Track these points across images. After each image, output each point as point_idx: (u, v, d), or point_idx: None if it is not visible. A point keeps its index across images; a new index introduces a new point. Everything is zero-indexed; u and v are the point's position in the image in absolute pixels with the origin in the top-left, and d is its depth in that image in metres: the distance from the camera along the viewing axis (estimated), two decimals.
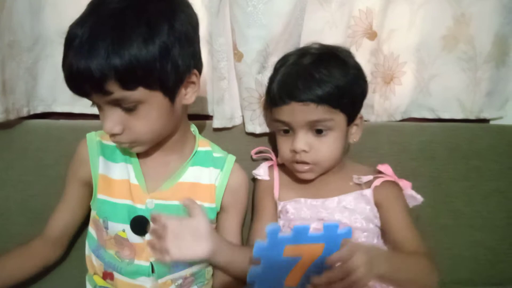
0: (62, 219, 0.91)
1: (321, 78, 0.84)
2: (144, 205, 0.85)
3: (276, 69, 0.94)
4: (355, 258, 0.65)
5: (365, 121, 1.15)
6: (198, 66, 0.83)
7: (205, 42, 1.01)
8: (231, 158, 0.94)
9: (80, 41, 0.68)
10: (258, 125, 1.06)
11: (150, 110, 0.75)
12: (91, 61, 0.67)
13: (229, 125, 1.07)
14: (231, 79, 1.05)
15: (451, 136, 1.13)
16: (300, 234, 0.62)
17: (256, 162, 1.06)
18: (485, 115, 1.20)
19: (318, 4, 1.05)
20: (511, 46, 1.17)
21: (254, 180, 1.03)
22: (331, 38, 1.06)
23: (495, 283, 1.11)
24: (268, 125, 1.07)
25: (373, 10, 1.06)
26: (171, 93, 0.77)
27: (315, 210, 0.92)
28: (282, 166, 1.01)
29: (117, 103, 0.73)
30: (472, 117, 1.19)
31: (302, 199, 0.94)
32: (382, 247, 0.91)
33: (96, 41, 0.68)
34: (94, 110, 1.05)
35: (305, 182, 0.96)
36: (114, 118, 0.75)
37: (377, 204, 0.93)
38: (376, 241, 0.92)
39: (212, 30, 0.98)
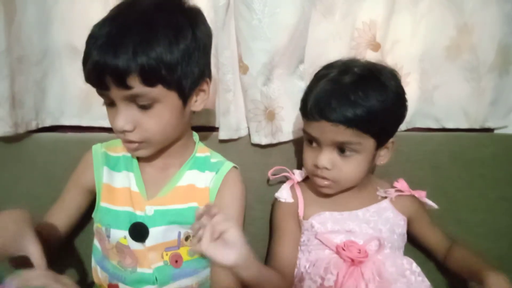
0: (56, 222, 0.90)
1: (355, 101, 0.82)
2: (143, 212, 0.86)
3: (317, 79, 0.91)
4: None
5: None
6: (210, 76, 0.88)
7: (211, 55, 1.02)
8: (228, 164, 0.93)
9: (108, 36, 0.73)
10: (263, 136, 1.07)
11: (164, 110, 0.79)
12: (118, 55, 0.71)
13: (235, 137, 1.08)
14: (237, 91, 1.06)
15: (455, 145, 1.14)
16: None
17: (259, 173, 1.06)
18: (489, 124, 1.21)
19: (321, 17, 1.06)
20: None
21: (274, 201, 1.03)
22: (335, 50, 1.07)
23: None
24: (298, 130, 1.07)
25: (376, 22, 1.08)
26: (185, 96, 0.81)
27: (342, 222, 0.93)
28: (303, 183, 1.02)
29: (133, 99, 0.76)
30: (477, 126, 1.20)
31: (327, 213, 0.94)
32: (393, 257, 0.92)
33: (124, 38, 0.72)
34: (102, 123, 1.09)
35: (328, 196, 0.96)
36: (127, 115, 0.77)
37: (403, 214, 0.97)
38: (397, 252, 0.93)
39: (218, 43, 0.99)
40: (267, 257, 0.99)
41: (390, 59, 1.14)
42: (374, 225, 0.93)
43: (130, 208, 0.87)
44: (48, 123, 1.09)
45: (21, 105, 1.00)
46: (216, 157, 0.95)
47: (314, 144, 0.90)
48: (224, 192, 0.90)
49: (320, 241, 0.92)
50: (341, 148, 0.87)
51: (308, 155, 0.93)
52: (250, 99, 1.04)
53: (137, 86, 0.74)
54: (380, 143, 0.89)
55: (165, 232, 0.86)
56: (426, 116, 1.20)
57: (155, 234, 0.85)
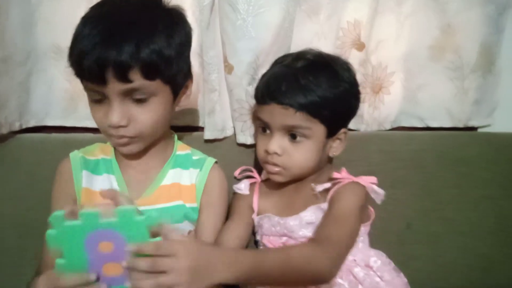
0: None
1: (306, 85, 0.83)
2: None
3: (271, 66, 0.94)
4: (171, 260, 0.58)
5: (355, 130, 1.17)
6: (192, 74, 0.90)
7: (196, 55, 1.02)
8: (211, 160, 0.95)
9: (105, 34, 0.73)
10: (249, 136, 1.07)
11: (159, 104, 0.80)
12: (122, 50, 0.72)
13: (221, 137, 1.08)
14: (222, 91, 1.07)
15: (440, 144, 1.15)
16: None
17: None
18: (473, 123, 1.22)
19: (306, 17, 1.07)
20: (497, 55, 1.19)
21: (233, 195, 1.01)
22: (320, 49, 1.07)
23: None
24: (253, 121, 1.06)
25: (361, 21, 1.09)
26: (177, 91, 0.84)
27: (282, 227, 0.91)
28: (264, 183, 1.01)
29: (130, 93, 0.76)
30: (461, 125, 1.21)
31: (272, 216, 0.93)
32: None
33: (125, 34, 0.73)
34: (86, 124, 1.08)
35: (279, 197, 0.96)
36: (123, 110, 0.77)
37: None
38: (361, 245, 0.91)
39: (203, 43, 0.99)
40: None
41: (375, 59, 1.15)
42: (313, 227, 0.88)
43: None
44: (32, 124, 1.09)
45: (5, 105, 1.00)
46: (197, 154, 0.96)
47: (267, 131, 0.90)
48: (211, 189, 0.91)
49: (264, 244, 0.93)
50: (292, 134, 0.87)
51: (261, 143, 0.92)
52: (236, 98, 1.04)
53: (137, 80, 0.74)
54: (331, 131, 0.88)
55: None
56: (410, 115, 1.21)
57: None
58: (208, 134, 1.06)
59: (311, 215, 0.90)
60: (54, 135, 1.07)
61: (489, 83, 1.20)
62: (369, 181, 0.90)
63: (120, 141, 0.81)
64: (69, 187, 0.87)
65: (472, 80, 1.17)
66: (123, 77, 0.73)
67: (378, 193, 0.90)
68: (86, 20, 0.77)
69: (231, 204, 1.00)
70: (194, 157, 0.95)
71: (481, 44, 1.15)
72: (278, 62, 0.93)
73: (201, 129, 1.09)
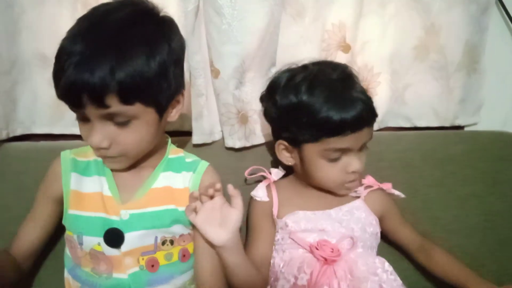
0: (28, 237, 0.89)
1: None
2: (118, 217, 0.84)
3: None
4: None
5: None
6: (184, 86, 0.88)
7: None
8: (204, 163, 0.93)
9: (82, 54, 0.70)
10: (237, 139, 1.07)
11: (141, 126, 0.78)
12: (95, 74, 0.69)
13: (209, 141, 1.08)
14: (209, 95, 1.07)
15: (426, 143, 1.16)
16: None
17: (233, 176, 1.05)
18: (459, 122, 1.24)
19: (291, 20, 1.08)
20: (481, 54, 1.21)
21: (250, 200, 1.02)
22: (306, 52, 1.09)
23: None
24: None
25: (346, 23, 1.09)
26: (162, 110, 0.81)
27: (315, 221, 0.93)
28: (279, 182, 1.02)
29: (110, 117, 0.74)
30: (447, 124, 1.23)
31: (301, 212, 0.95)
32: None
33: (101, 55, 0.70)
34: (74, 131, 1.08)
35: (303, 196, 0.98)
36: (103, 132, 0.76)
37: (375, 213, 0.98)
38: (370, 251, 0.94)
39: (189, 48, 0.99)
40: None
41: (361, 60, 1.16)
42: (347, 224, 0.93)
43: (103, 214, 0.84)
44: (19, 132, 1.08)
45: None
46: (191, 157, 0.95)
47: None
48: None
49: (294, 240, 0.92)
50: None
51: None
52: (223, 103, 1.05)
53: (114, 105, 0.72)
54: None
55: (142, 237, 0.84)
56: (397, 116, 1.23)
57: (131, 239, 0.83)
58: (196, 139, 1.06)
59: (347, 212, 0.95)
60: (41, 143, 1.07)
61: (474, 82, 1.21)
62: (389, 186, 1.01)
63: (105, 159, 0.82)
64: (56, 187, 0.87)
65: (457, 79, 1.19)
66: (99, 102, 0.71)
67: (398, 195, 1.01)
68: (68, 35, 0.74)
69: (248, 214, 1.01)
70: (187, 160, 0.93)
71: (465, 43, 1.17)
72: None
73: (189, 133, 1.09)
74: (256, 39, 1.00)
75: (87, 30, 0.74)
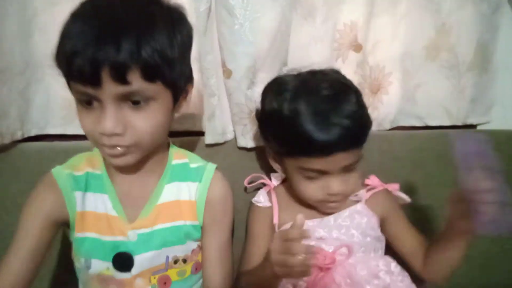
0: (15, 271, 0.76)
1: None
2: (126, 238, 0.79)
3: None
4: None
5: None
6: (193, 78, 0.84)
7: (194, 60, 1.02)
8: (211, 167, 0.88)
9: (100, 29, 0.66)
10: (249, 139, 1.07)
11: (158, 109, 0.73)
12: (121, 47, 0.64)
13: (221, 141, 1.08)
14: (221, 95, 1.07)
15: (439, 143, 1.15)
16: None
17: (246, 176, 1.05)
18: (471, 120, 1.23)
19: (303, 20, 1.08)
20: (493, 53, 1.20)
21: (250, 206, 1.02)
22: (318, 52, 1.09)
23: (487, 286, 1.12)
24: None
25: (357, 23, 1.09)
26: (177, 96, 0.77)
27: (313, 230, 0.91)
28: (279, 188, 1.02)
29: (127, 97, 0.69)
30: (459, 123, 1.22)
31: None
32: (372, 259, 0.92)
33: (123, 29, 0.66)
34: None
35: (302, 201, 0.95)
36: (118, 115, 0.69)
37: (377, 215, 0.95)
38: (372, 254, 0.93)
39: (201, 48, 1.00)
40: (241, 261, 0.98)
41: (372, 60, 1.16)
42: (346, 230, 0.91)
43: (110, 237, 0.79)
44: (33, 132, 1.09)
45: (6, 115, 1.00)
46: (195, 161, 0.89)
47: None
48: (214, 205, 0.85)
49: None
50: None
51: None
52: (235, 102, 1.05)
53: (136, 82, 0.67)
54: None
55: (152, 258, 0.80)
56: (409, 115, 1.22)
57: (141, 261, 0.80)
58: (209, 139, 1.06)
59: (346, 217, 0.93)
60: (55, 143, 1.08)
61: (485, 81, 1.21)
62: (395, 188, 0.99)
63: (114, 151, 0.72)
64: (57, 211, 0.79)
65: (468, 78, 1.18)
66: (121, 79, 0.66)
67: (403, 199, 0.99)
68: (76, 16, 0.69)
69: (248, 220, 1.00)
70: (192, 165, 0.88)
71: (477, 42, 1.16)
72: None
73: (201, 133, 1.10)
74: (268, 39, 1.01)
75: (99, 9, 0.69)
